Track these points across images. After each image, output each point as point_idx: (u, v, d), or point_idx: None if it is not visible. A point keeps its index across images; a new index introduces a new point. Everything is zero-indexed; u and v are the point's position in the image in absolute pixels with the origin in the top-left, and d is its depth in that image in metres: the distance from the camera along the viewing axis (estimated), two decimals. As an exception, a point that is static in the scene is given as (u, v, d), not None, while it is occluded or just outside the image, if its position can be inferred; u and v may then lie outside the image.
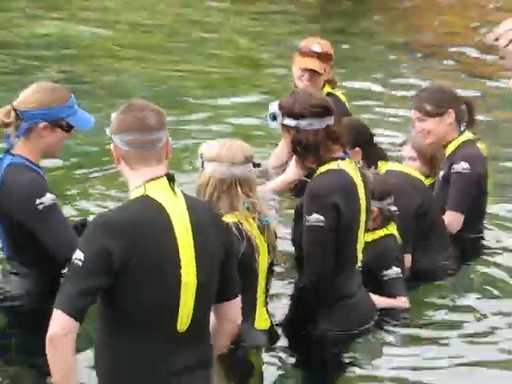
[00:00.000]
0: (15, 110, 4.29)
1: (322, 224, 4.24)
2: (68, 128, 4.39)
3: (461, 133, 5.59)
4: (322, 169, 4.37)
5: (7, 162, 4.36)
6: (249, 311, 4.03)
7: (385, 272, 4.97)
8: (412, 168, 5.55)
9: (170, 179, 3.41)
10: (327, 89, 6.27)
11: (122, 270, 3.25)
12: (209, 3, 14.15)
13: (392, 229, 5.12)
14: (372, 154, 5.31)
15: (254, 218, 4.12)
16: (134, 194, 3.40)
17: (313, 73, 6.12)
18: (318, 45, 6.20)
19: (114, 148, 3.46)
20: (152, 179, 3.38)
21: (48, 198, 4.28)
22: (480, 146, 5.68)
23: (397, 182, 5.14)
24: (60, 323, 3.24)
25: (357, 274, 4.58)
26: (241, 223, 4.06)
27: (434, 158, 5.66)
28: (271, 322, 4.32)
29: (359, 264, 4.56)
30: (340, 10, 14.52)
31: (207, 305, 3.47)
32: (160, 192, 3.38)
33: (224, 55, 11.15)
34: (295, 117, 4.33)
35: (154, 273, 3.30)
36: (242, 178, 4.10)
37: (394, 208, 5.04)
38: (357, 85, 9.17)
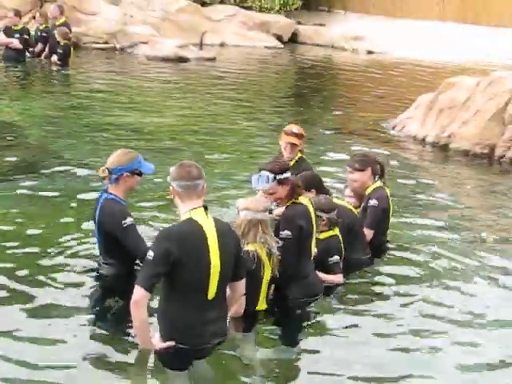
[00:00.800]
0: (107, 169, 6.36)
1: (290, 237, 6.24)
2: (140, 173, 6.46)
3: (375, 181, 7.90)
4: (289, 202, 6.48)
5: (104, 197, 6.41)
6: (253, 301, 6.05)
7: (330, 259, 6.95)
8: (349, 202, 7.82)
9: (205, 208, 5.35)
10: (299, 154, 8.44)
11: (176, 262, 5.11)
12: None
13: (336, 231, 7.11)
14: (323, 192, 7.38)
15: (264, 248, 6.06)
16: (184, 217, 5.34)
17: (292, 145, 8.32)
18: (295, 128, 8.41)
19: (172, 189, 5.37)
20: (194, 208, 5.30)
21: (129, 220, 6.28)
22: (386, 189, 7.96)
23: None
24: (140, 293, 5.14)
25: (311, 262, 6.59)
26: (257, 251, 5.99)
27: (362, 196, 7.86)
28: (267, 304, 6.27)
29: (315, 252, 6.65)
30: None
31: (225, 283, 5.39)
32: (199, 216, 5.30)
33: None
34: (281, 173, 6.43)
35: (195, 263, 5.19)
36: (262, 220, 6.04)
37: (336, 218, 7.06)
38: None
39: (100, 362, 5.58)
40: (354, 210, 7.67)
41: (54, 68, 18.46)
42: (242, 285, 5.54)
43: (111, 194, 6.40)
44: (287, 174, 6.43)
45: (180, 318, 5.23)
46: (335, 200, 7.37)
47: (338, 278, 6.99)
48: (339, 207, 7.26)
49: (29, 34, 19.38)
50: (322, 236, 6.99)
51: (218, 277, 5.28)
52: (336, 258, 6.95)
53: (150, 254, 5.14)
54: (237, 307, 5.79)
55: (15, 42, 18.76)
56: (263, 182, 6.44)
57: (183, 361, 5.32)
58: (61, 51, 18.42)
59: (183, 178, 5.34)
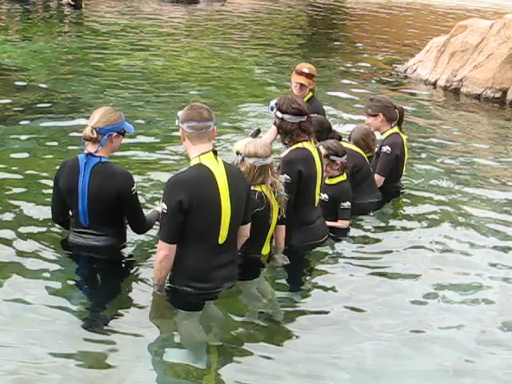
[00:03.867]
0: (95, 129, 5.61)
1: (288, 181, 6.11)
2: (124, 133, 5.82)
3: (391, 127, 7.81)
4: (293, 147, 6.28)
5: (96, 162, 5.62)
6: (260, 244, 5.99)
7: (342, 204, 6.91)
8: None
9: (215, 153, 5.32)
10: (310, 94, 8.36)
11: (189, 208, 5.12)
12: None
13: (345, 176, 7.04)
14: (331, 137, 7.28)
15: (273, 190, 5.95)
16: (193, 161, 5.31)
17: (302, 85, 8.29)
18: (306, 68, 8.33)
19: (182, 131, 5.30)
20: (204, 153, 5.26)
21: (135, 186, 5.71)
22: (402, 135, 7.87)
23: None
24: (168, 248, 5.21)
25: (317, 209, 6.49)
26: (264, 193, 5.87)
27: (365, 143, 7.71)
28: (270, 250, 6.18)
29: (326, 198, 6.76)
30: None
31: (236, 227, 5.41)
32: (209, 161, 5.28)
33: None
34: (282, 112, 6.26)
35: (206, 207, 5.21)
36: (270, 164, 5.91)
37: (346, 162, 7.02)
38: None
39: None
40: (360, 151, 7.54)
41: (67, 8, 18.35)
42: (247, 228, 5.58)
43: (103, 157, 5.69)
44: (286, 116, 6.25)
45: (192, 263, 5.27)
46: (344, 144, 7.25)
47: (343, 224, 6.94)
48: (348, 150, 7.18)
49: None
50: (334, 181, 6.96)
51: (229, 222, 5.31)
52: (348, 204, 6.90)
53: (164, 207, 5.16)
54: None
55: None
56: (269, 108, 6.49)
57: (195, 303, 5.37)
58: (75, -9, 18.31)
59: (194, 119, 5.29)
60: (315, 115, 7.49)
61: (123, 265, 5.97)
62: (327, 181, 6.92)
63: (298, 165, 6.19)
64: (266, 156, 5.84)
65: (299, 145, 6.28)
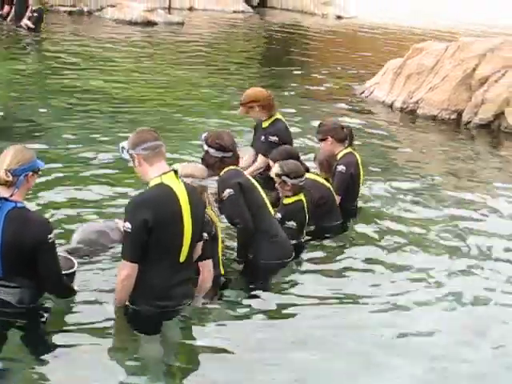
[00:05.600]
0: (9, 171, 5.03)
1: (232, 193, 6.33)
2: (38, 171, 5.25)
3: (345, 147, 7.96)
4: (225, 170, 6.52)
5: (11, 207, 5.02)
6: (218, 264, 6.01)
7: (287, 222, 6.93)
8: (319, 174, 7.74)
9: (175, 172, 5.34)
10: (272, 117, 8.29)
11: (153, 227, 5.14)
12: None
13: (301, 196, 7.06)
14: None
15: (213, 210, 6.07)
16: (154, 181, 5.30)
17: (247, 113, 8.41)
18: (243, 97, 8.37)
19: (136, 157, 5.30)
20: (164, 172, 5.28)
21: (53, 234, 5.14)
22: (356, 154, 8.05)
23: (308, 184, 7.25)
24: (130, 267, 5.19)
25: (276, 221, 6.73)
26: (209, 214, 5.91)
27: (328, 163, 7.78)
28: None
29: (279, 217, 6.86)
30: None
31: (194, 245, 5.42)
32: (170, 181, 5.30)
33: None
34: (207, 145, 6.51)
35: (170, 226, 5.23)
36: (205, 186, 5.96)
37: (302, 183, 7.02)
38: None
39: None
40: (325, 182, 7.63)
41: (25, 32, 18.27)
42: (200, 246, 5.57)
43: (18, 202, 5.10)
44: (211, 150, 6.48)
45: (156, 281, 5.28)
46: (307, 175, 7.26)
47: None
48: (311, 181, 7.32)
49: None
50: (290, 200, 7.02)
51: (190, 240, 5.36)
52: (292, 223, 6.95)
53: (128, 226, 5.16)
54: (206, 274, 5.73)
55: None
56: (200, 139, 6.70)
57: (156, 324, 5.38)
58: (36, 14, 18.23)
59: (148, 140, 5.33)
60: (285, 146, 7.79)
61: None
62: (284, 200, 7.04)
63: (234, 179, 6.43)
64: (202, 177, 5.95)
65: (226, 169, 6.53)
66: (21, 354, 5.07)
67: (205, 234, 5.60)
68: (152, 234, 5.17)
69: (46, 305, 5.42)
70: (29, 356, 5.08)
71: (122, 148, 5.47)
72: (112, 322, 5.45)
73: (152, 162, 5.32)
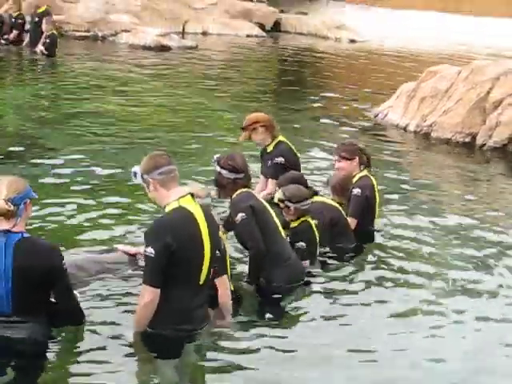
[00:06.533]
0: (9, 200, 4.90)
1: (245, 217, 6.37)
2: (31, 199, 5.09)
3: (361, 171, 7.91)
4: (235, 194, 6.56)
5: (17, 239, 4.89)
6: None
7: (296, 244, 6.91)
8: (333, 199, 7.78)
9: (192, 196, 5.35)
10: (276, 140, 8.48)
11: (175, 251, 5.12)
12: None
13: (307, 217, 7.09)
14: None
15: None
16: (172, 206, 5.31)
17: (250, 138, 8.51)
18: (244, 121, 8.46)
19: (151, 182, 5.31)
20: (182, 196, 5.28)
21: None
22: (372, 178, 8.00)
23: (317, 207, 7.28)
24: (152, 292, 5.17)
25: (287, 243, 6.74)
26: None
27: (340, 187, 7.81)
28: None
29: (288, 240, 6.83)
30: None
31: (212, 267, 5.43)
32: (188, 204, 5.32)
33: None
34: (220, 166, 6.57)
35: (190, 250, 5.24)
36: (209, 204, 6.14)
37: (306, 207, 7.03)
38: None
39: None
40: (335, 204, 7.61)
41: (39, 57, 18.39)
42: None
43: (23, 232, 4.98)
44: (223, 171, 6.53)
45: (176, 306, 5.25)
46: (316, 198, 7.31)
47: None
48: (320, 203, 7.34)
49: (2, 22, 19.36)
50: (295, 223, 7.07)
51: (209, 261, 5.37)
52: (301, 244, 6.93)
53: (151, 251, 5.14)
54: (223, 290, 5.82)
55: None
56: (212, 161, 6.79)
57: (175, 348, 5.35)
58: (48, 40, 18.36)
59: (163, 165, 5.35)
60: (292, 172, 7.83)
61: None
62: (290, 224, 7.08)
63: (246, 202, 6.44)
64: (206, 196, 6.09)
65: (238, 191, 6.56)
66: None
67: (217, 252, 5.62)
68: (173, 257, 5.15)
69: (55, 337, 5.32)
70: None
71: (135, 173, 5.47)
72: (126, 347, 5.41)
73: (169, 187, 5.33)
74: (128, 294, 6.20)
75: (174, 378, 5.22)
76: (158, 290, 5.18)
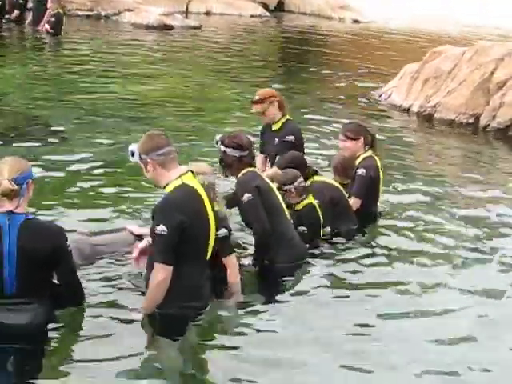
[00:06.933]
0: (13, 180, 4.84)
1: (251, 198, 6.36)
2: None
3: (365, 151, 7.83)
4: (241, 172, 6.54)
5: (20, 220, 4.86)
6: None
7: (298, 228, 6.90)
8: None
9: (192, 173, 5.37)
10: (284, 118, 8.38)
11: (186, 227, 5.16)
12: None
13: (310, 199, 7.11)
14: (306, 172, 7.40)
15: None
16: (175, 183, 5.29)
17: (258, 113, 8.45)
18: (256, 95, 8.36)
19: (150, 163, 5.28)
20: (183, 174, 5.30)
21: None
22: (377, 159, 7.87)
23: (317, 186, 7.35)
24: (165, 270, 5.17)
25: (291, 223, 6.71)
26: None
27: (342, 168, 7.85)
28: None
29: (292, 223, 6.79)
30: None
31: (217, 241, 5.49)
32: (190, 181, 5.34)
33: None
34: (225, 145, 6.53)
35: (198, 226, 5.29)
36: (214, 183, 6.11)
37: (304, 183, 7.07)
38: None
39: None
40: (335, 183, 7.59)
41: (44, 35, 18.35)
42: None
43: (25, 213, 4.95)
44: (228, 149, 6.50)
45: (186, 282, 5.26)
46: (316, 177, 7.36)
47: None
48: (320, 183, 7.37)
49: (3, 1, 19.36)
50: (300, 206, 7.08)
51: (214, 237, 5.44)
52: (302, 228, 6.95)
53: (163, 229, 5.13)
54: (233, 268, 5.90)
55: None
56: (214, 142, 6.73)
57: (180, 327, 5.36)
58: (53, 19, 18.31)
59: (163, 146, 5.33)
60: (292, 152, 7.74)
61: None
62: (295, 207, 7.09)
63: (254, 181, 6.46)
64: (212, 173, 6.14)
65: (244, 171, 6.56)
66: (42, 371, 4.97)
67: (225, 230, 5.70)
68: (184, 234, 5.18)
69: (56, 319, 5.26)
70: (49, 372, 4.95)
71: (132, 152, 5.44)
72: (129, 329, 5.37)
73: (169, 168, 5.33)
74: (130, 275, 6.18)
75: (177, 360, 5.19)
76: (171, 268, 5.18)
